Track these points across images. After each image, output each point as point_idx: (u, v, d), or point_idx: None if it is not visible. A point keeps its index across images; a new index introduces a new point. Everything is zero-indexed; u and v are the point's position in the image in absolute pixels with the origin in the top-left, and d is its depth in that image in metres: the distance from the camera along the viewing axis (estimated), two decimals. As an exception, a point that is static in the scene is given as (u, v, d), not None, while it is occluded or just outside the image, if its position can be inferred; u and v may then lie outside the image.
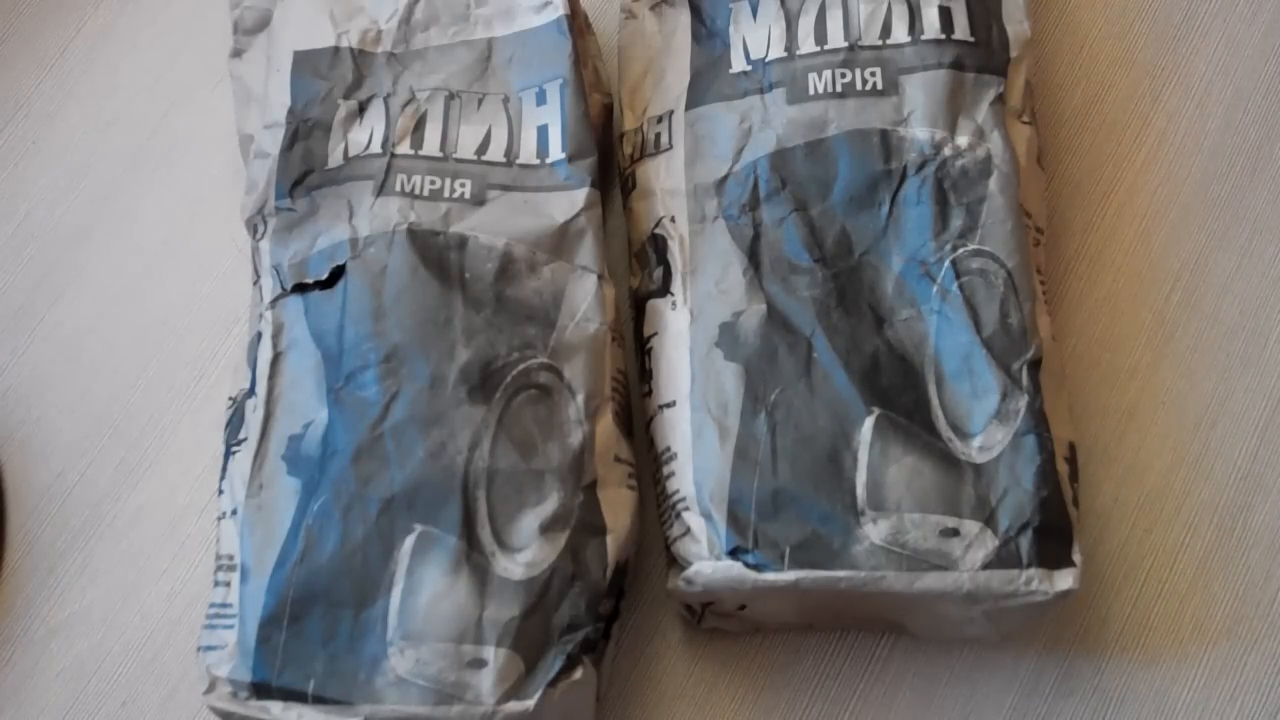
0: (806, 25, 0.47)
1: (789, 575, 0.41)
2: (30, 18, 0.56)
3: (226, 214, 0.53)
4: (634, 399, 0.50)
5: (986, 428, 0.43)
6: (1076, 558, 0.42)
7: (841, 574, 0.41)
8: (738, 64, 0.47)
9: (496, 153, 0.46)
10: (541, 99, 0.47)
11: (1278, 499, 0.50)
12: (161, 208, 0.54)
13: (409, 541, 0.41)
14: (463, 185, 0.46)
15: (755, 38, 0.47)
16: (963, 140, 0.45)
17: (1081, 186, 0.53)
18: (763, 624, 0.47)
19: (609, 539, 0.43)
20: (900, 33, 0.46)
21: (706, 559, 0.42)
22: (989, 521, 0.42)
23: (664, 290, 0.46)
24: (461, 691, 0.40)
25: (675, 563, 0.44)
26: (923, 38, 0.46)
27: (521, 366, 0.43)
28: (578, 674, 0.41)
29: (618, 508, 0.43)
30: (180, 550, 0.50)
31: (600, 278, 0.45)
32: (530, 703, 0.40)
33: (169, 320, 0.52)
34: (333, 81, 0.47)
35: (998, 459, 0.42)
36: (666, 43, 0.49)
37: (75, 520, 0.50)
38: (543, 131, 0.46)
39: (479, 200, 0.45)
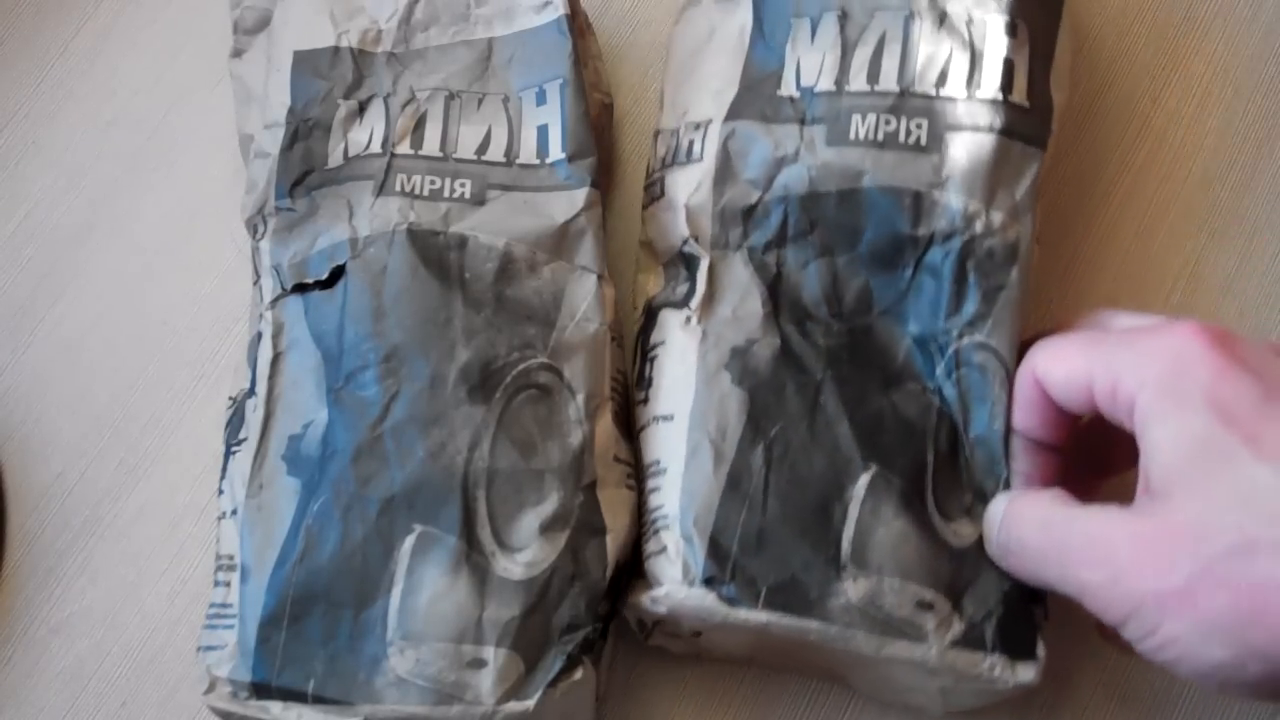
0: (862, 58, 0.44)
1: (761, 615, 0.41)
2: (30, 18, 0.56)
3: (226, 214, 0.53)
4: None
5: (963, 518, 0.42)
6: (1040, 652, 0.42)
7: (814, 625, 0.41)
8: (787, 87, 0.45)
9: (496, 153, 0.46)
10: (541, 99, 0.47)
11: (1278, 499, 0.50)
12: (161, 208, 0.54)
13: (409, 541, 0.41)
14: (463, 185, 0.45)
15: (809, 61, 0.45)
16: (996, 217, 0.44)
17: (1081, 186, 0.53)
18: (708, 651, 0.46)
19: (609, 539, 0.43)
20: (956, 84, 0.44)
21: (679, 583, 0.41)
22: (957, 605, 0.41)
23: (683, 304, 0.45)
24: (461, 691, 0.40)
25: (642, 576, 0.43)
26: (978, 94, 0.44)
27: (521, 366, 0.43)
28: (578, 674, 0.41)
29: (617, 507, 0.43)
30: (180, 550, 0.50)
31: (600, 278, 0.45)
32: (530, 703, 0.40)
33: (169, 320, 0.52)
34: (333, 81, 0.47)
35: (973, 546, 0.42)
36: (723, 43, 0.47)
37: (75, 520, 0.50)
38: (543, 131, 0.46)
39: (479, 200, 0.45)
